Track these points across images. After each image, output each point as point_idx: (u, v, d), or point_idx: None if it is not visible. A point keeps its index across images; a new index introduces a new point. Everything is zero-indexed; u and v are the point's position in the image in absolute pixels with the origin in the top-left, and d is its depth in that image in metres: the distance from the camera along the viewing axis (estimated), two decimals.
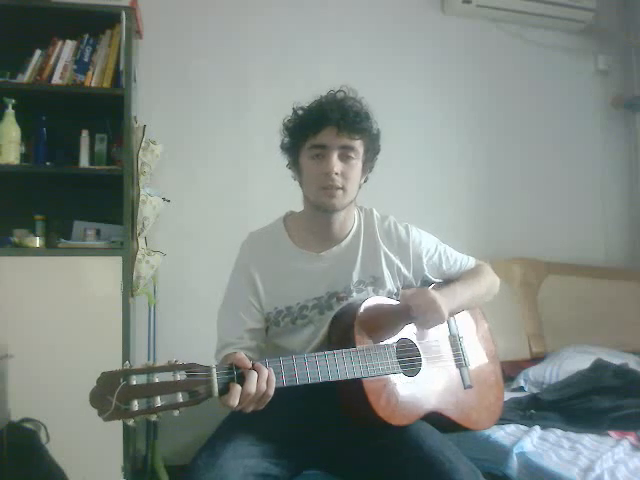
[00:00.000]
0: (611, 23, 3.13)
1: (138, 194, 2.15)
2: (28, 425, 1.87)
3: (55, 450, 1.85)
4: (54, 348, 1.94)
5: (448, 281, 1.43)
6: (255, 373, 0.98)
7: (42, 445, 1.85)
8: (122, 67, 2.11)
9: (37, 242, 2.05)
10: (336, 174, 1.24)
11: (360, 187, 1.34)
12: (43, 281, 2.00)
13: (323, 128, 1.24)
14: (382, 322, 1.24)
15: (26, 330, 1.93)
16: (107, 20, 2.13)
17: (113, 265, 2.03)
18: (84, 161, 2.20)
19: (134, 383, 0.88)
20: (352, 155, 1.27)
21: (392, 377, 1.19)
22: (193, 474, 1.08)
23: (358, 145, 1.27)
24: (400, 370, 1.20)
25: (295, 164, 1.33)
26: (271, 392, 1.00)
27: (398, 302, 1.30)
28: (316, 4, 2.75)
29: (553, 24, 2.98)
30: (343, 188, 1.26)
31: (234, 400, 0.95)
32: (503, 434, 1.76)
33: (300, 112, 1.30)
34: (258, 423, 1.18)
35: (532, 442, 1.69)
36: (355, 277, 1.32)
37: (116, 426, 1.95)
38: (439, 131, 2.84)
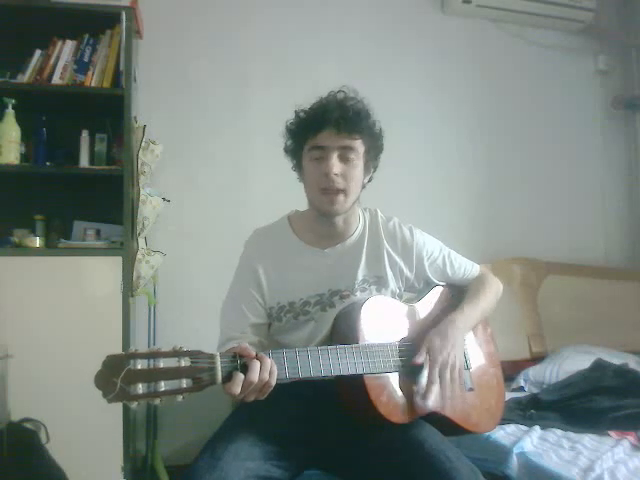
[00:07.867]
0: (611, 23, 3.14)
1: (138, 194, 2.15)
2: (28, 425, 1.87)
3: (55, 450, 1.85)
4: (54, 348, 1.94)
5: (457, 294, 1.42)
6: (258, 362, 0.98)
7: (42, 445, 1.85)
8: (122, 67, 2.11)
9: (37, 242, 2.05)
10: (335, 175, 1.23)
11: (364, 187, 1.34)
12: (43, 281, 1.99)
13: (323, 129, 1.24)
14: (385, 321, 1.25)
15: (26, 330, 1.93)
16: (107, 20, 2.13)
17: (113, 265, 2.03)
18: (84, 161, 2.20)
19: (139, 367, 0.89)
20: (352, 156, 1.25)
21: (394, 375, 1.19)
22: (194, 475, 1.08)
23: (358, 145, 1.26)
24: (402, 369, 1.20)
25: (298, 166, 1.34)
26: (273, 382, 1.00)
27: (402, 304, 1.32)
28: (316, 4, 2.75)
29: (553, 24, 2.99)
30: (344, 190, 1.25)
31: (236, 388, 0.95)
32: (503, 434, 1.76)
33: (301, 114, 1.30)
34: (259, 423, 1.19)
35: (532, 442, 1.69)
36: (360, 275, 1.32)
37: (116, 426, 1.97)
38: (439, 131, 2.84)
